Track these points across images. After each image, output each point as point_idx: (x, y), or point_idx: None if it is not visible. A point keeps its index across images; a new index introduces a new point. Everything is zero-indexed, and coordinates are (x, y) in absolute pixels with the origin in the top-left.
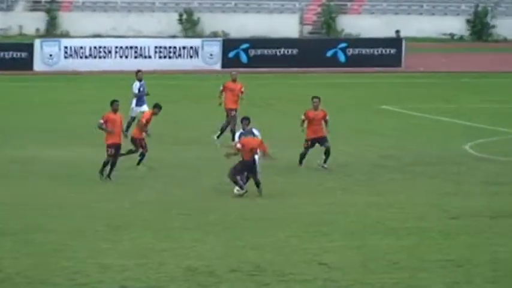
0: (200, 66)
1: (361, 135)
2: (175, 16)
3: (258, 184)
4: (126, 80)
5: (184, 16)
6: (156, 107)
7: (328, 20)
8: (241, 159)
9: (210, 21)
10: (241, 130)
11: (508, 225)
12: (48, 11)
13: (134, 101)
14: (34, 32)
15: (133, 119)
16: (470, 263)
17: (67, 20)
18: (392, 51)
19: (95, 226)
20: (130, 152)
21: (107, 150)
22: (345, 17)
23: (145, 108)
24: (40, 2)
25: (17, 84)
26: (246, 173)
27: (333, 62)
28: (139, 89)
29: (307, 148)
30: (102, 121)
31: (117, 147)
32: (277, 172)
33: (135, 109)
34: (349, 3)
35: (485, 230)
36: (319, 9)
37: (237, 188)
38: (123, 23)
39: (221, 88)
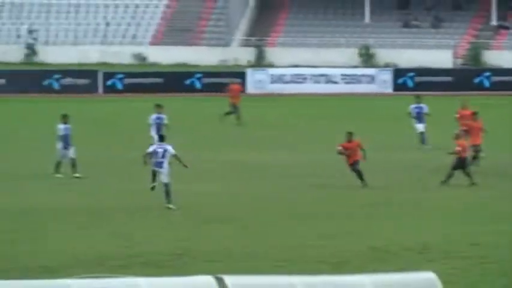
0: (375, 91)
1: None
2: (356, 51)
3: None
4: (319, 101)
5: (363, 51)
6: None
7: (475, 54)
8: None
9: (383, 55)
10: None
11: None
12: (257, 46)
13: (414, 120)
14: (246, 62)
15: (421, 133)
16: None
17: (272, 53)
18: None
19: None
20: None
21: (350, 167)
22: (488, 52)
23: (421, 126)
24: (251, 39)
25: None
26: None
27: (479, 87)
28: (414, 111)
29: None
30: (340, 148)
31: (354, 162)
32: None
33: (417, 126)
34: (491, 41)
35: None
36: (468, 46)
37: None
38: (316, 56)
39: (457, 116)
